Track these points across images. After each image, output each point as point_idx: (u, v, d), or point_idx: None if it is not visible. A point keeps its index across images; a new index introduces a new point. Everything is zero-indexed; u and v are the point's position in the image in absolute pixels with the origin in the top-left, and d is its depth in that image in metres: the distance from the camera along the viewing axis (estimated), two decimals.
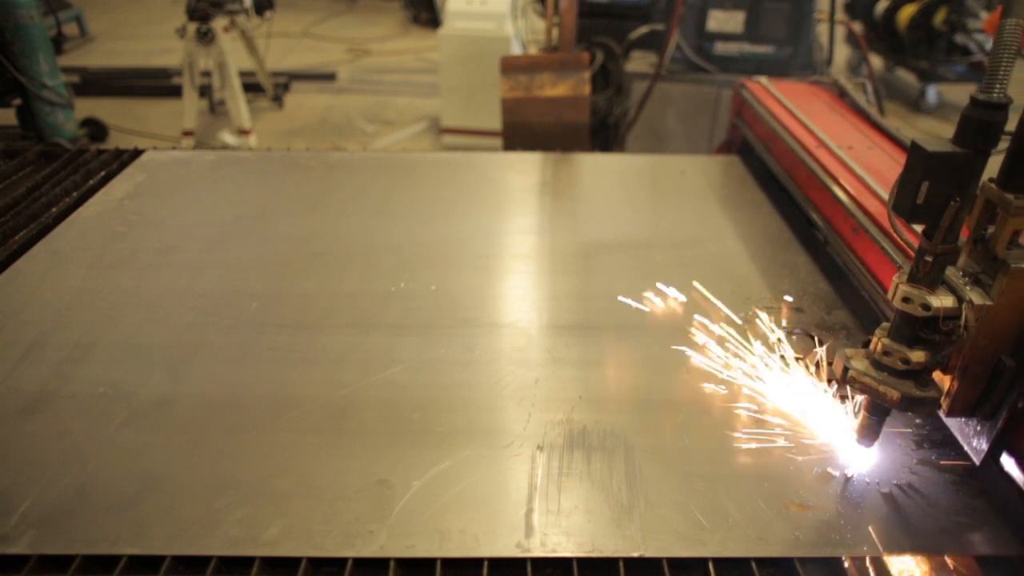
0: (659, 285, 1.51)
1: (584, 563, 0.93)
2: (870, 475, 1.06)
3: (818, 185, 1.66)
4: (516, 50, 4.72)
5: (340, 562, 0.93)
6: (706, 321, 1.39)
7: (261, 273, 1.58)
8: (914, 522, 0.99)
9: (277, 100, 6.01)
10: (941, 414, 1.01)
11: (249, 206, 1.89)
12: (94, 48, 7.48)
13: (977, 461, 1.01)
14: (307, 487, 1.03)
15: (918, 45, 5.82)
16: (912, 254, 0.91)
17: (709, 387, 1.23)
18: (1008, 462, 0.98)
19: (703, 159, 2.29)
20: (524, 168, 2.17)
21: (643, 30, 3.90)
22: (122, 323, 1.40)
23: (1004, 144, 0.85)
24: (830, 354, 1.21)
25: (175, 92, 5.19)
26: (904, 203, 0.86)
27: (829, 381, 1.18)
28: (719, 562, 0.93)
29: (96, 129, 5.01)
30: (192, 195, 1.95)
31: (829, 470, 1.06)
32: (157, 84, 6.17)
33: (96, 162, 2.08)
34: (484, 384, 1.25)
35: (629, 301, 1.47)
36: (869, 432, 1.02)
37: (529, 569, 0.92)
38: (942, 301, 0.88)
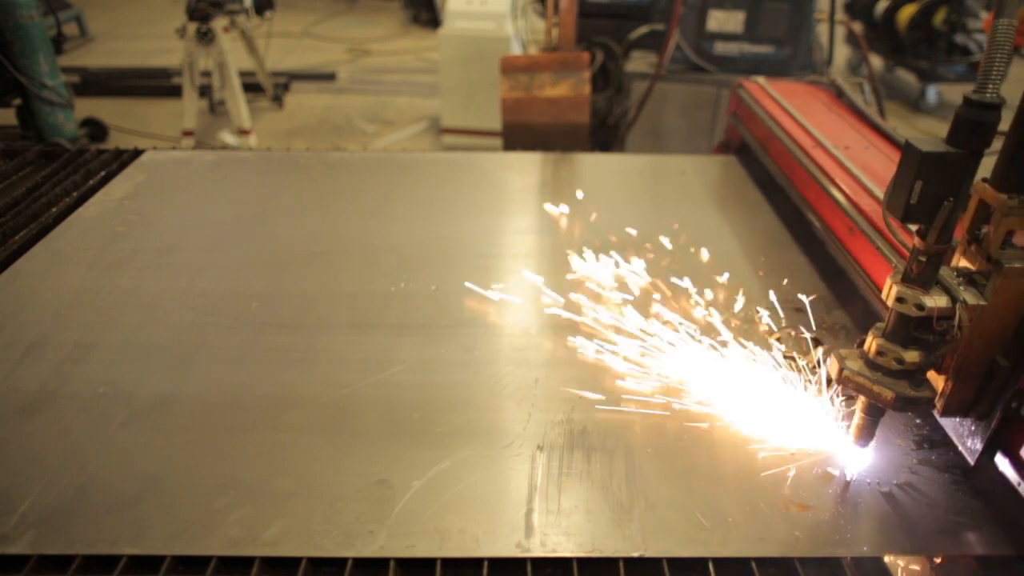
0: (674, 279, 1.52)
1: (584, 563, 0.93)
2: (870, 475, 1.06)
3: (814, 185, 1.66)
4: (516, 50, 4.72)
5: (340, 562, 0.93)
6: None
7: (261, 273, 1.58)
8: (914, 522, 0.99)
9: (277, 100, 6.01)
10: (936, 414, 1.01)
11: (249, 206, 1.89)
12: (94, 48, 7.48)
13: (972, 461, 1.01)
14: (307, 487, 1.03)
15: (918, 45, 5.82)
16: (907, 254, 0.91)
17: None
18: (1002, 462, 0.98)
19: (702, 159, 2.29)
20: (524, 168, 2.17)
21: (643, 30, 3.90)
22: (122, 323, 1.40)
23: (998, 144, 0.85)
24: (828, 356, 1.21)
25: (175, 92, 5.19)
26: (898, 203, 0.86)
27: (829, 383, 1.18)
28: (719, 562, 0.93)
29: (96, 129, 5.01)
30: (192, 195, 1.95)
31: (829, 470, 1.06)
32: (157, 84, 6.17)
33: (96, 162, 2.08)
34: (484, 384, 1.25)
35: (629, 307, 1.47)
36: (865, 433, 1.03)
37: (529, 569, 0.92)
38: (936, 301, 0.88)
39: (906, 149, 0.84)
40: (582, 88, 2.56)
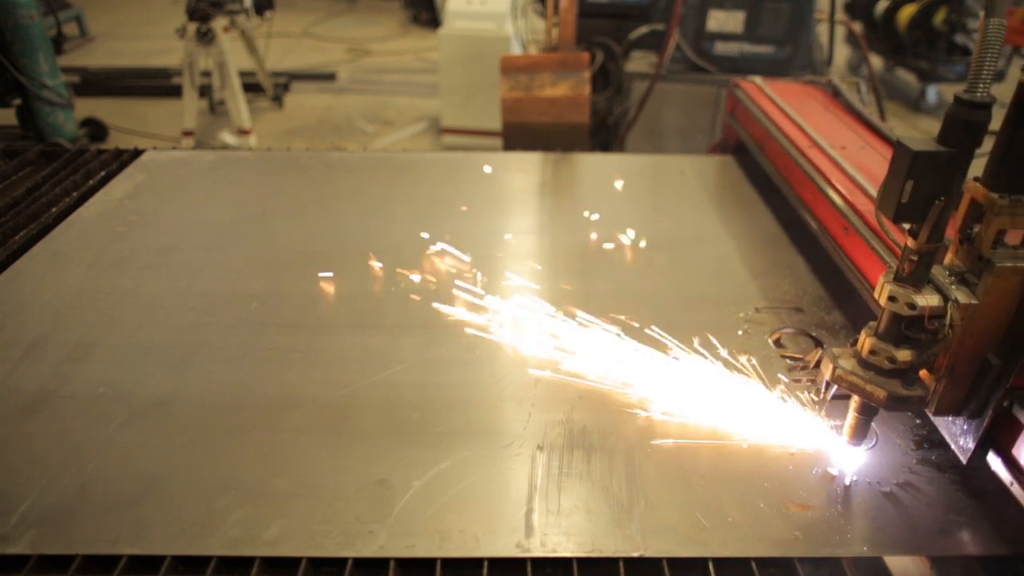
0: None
1: (584, 563, 0.93)
2: (870, 475, 1.06)
3: (810, 185, 1.66)
4: (516, 50, 4.72)
5: (340, 562, 0.93)
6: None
7: (261, 273, 1.58)
8: (914, 522, 0.99)
9: (277, 100, 6.01)
10: (928, 413, 1.01)
11: (249, 206, 1.89)
12: (94, 48, 7.48)
13: (964, 460, 1.01)
14: (307, 487, 1.03)
15: (918, 45, 5.82)
16: (900, 253, 0.91)
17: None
18: (995, 461, 0.98)
19: (700, 159, 2.30)
20: (524, 168, 2.17)
21: (643, 30, 3.90)
22: (122, 323, 1.40)
23: (989, 145, 0.85)
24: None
25: (175, 92, 5.19)
26: (889, 202, 0.86)
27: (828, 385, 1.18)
28: (719, 562, 0.93)
29: (96, 129, 5.01)
30: (192, 195, 1.95)
31: (829, 470, 1.06)
32: (157, 84, 6.17)
33: (96, 162, 2.08)
34: (484, 384, 1.25)
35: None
36: (858, 432, 1.03)
37: (529, 569, 0.92)
38: (928, 300, 0.88)
39: (897, 148, 0.84)
40: (582, 88, 2.56)
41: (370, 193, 1.98)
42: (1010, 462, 0.96)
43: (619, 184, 1.96)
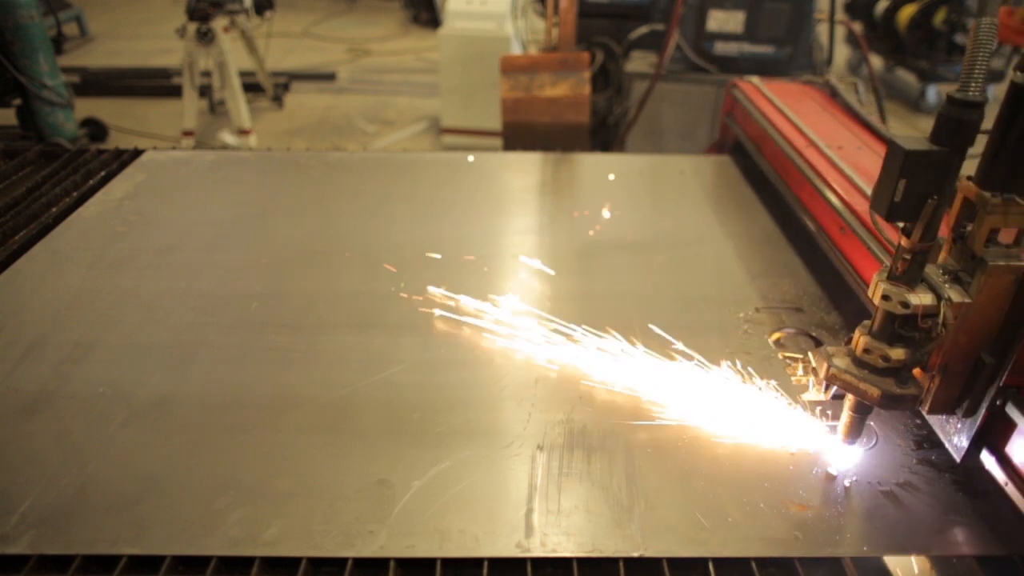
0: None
1: (584, 563, 0.93)
2: (870, 475, 1.06)
3: (807, 185, 1.66)
4: (516, 50, 4.72)
5: (340, 562, 0.93)
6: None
7: (261, 273, 1.58)
8: (914, 522, 0.99)
9: (277, 100, 6.01)
10: (922, 411, 1.01)
11: (249, 206, 1.89)
12: (94, 48, 7.48)
13: (958, 459, 1.02)
14: (307, 487, 1.03)
15: (918, 45, 5.82)
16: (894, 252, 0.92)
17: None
18: (988, 460, 0.99)
19: (698, 159, 2.30)
20: (524, 168, 2.17)
21: (643, 30, 3.90)
22: (122, 323, 1.40)
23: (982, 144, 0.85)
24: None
25: (175, 92, 5.19)
26: (882, 201, 0.86)
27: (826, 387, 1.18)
28: (719, 562, 0.93)
29: (96, 129, 5.01)
30: (192, 195, 1.95)
31: (829, 470, 1.06)
32: (157, 84, 6.17)
33: (96, 162, 2.08)
34: (484, 384, 1.25)
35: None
36: (853, 430, 1.03)
37: (529, 569, 0.92)
38: (921, 299, 0.89)
39: (890, 147, 0.84)
40: (582, 88, 2.56)
41: (370, 193, 1.98)
42: (1004, 460, 0.96)
43: (611, 176, 1.95)
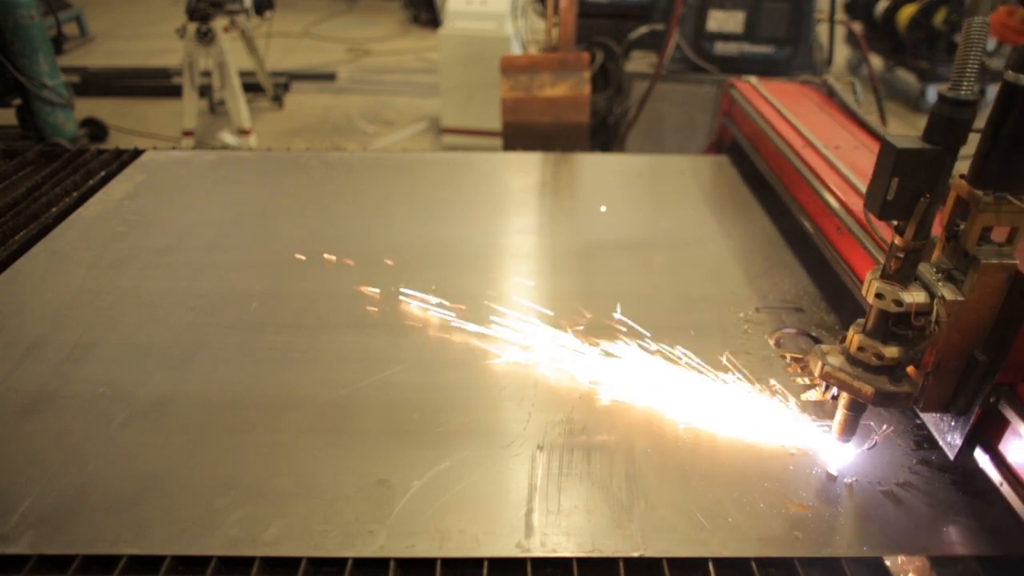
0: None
1: (584, 563, 0.93)
2: (870, 475, 1.06)
3: (804, 185, 1.66)
4: (516, 50, 4.72)
5: (340, 562, 0.93)
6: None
7: (261, 273, 1.58)
8: (914, 522, 0.99)
9: (277, 100, 6.01)
10: (916, 409, 1.01)
11: (249, 206, 1.89)
12: (94, 48, 7.48)
13: (952, 456, 1.02)
14: (307, 487, 1.03)
15: (918, 45, 5.82)
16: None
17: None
18: (982, 458, 0.99)
19: (696, 159, 2.30)
20: (524, 168, 2.17)
21: (643, 30, 3.90)
22: (122, 323, 1.40)
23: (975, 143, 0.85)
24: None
25: (175, 92, 5.19)
26: (875, 199, 0.87)
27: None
28: (719, 562, 0.93)
29: (96, 129, 5.01)
30: (192, 195, 1.95)
31: (829, 470, 1.06)
32: (157, 84, 6.17)
33: (96, 162, 2.08)
34: (484, 384, 1.25)
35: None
36: (848, 428, 1.03)
37: (529, 569, 0.92)
38: (914, 297, 0.89)
39: (883, 146, 0.85)
40: (582, 88, 2.56)
41: (370, 193, 1.98)
42: (997, 458, 0.96)
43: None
